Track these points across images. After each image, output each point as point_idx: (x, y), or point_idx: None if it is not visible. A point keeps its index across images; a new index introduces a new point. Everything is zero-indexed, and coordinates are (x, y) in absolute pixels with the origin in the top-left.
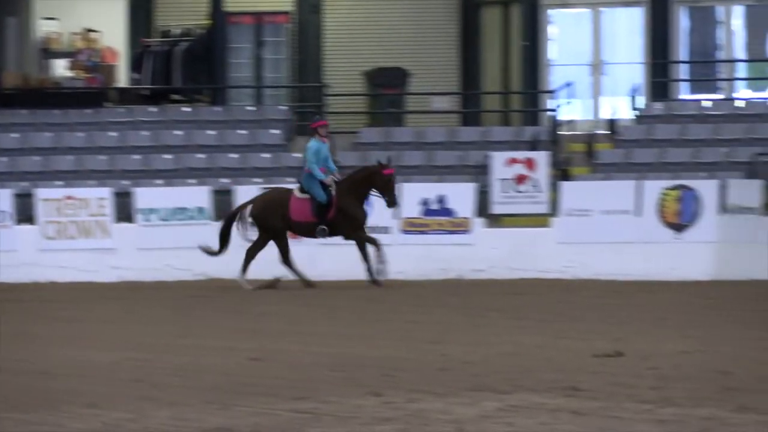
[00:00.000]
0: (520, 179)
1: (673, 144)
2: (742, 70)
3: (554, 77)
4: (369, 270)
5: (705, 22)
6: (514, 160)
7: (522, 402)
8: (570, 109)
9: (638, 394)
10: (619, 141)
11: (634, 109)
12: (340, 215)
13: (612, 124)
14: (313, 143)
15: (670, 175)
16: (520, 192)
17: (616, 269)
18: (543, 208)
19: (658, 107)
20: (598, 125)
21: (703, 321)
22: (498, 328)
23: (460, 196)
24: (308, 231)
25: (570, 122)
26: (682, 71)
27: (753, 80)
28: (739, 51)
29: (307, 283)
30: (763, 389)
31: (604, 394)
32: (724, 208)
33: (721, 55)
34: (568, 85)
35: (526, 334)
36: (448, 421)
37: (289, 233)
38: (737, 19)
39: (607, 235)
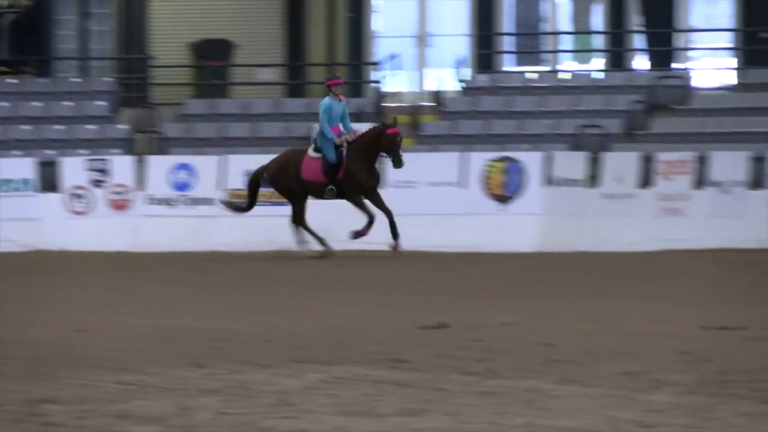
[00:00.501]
0: None
1: (498, 116)
2: (566, 42)
3: (379, 49)
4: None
5: None
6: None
7: (346, 374)
8: (395, 81)
9: (463, 365)
10: (444, 113)
11: (460, 81)
12: (347, 177)
13: (437, 95)
14: (325, 101)
15: (495, 147)
16: None
17: (441, 241)
18: None
19: (483, 79)
20: (423, 97)
21: (527, 293)
22: (323, 300)
23: None
24: (319, 191)
25: (395, 94)
26: (507, 43)
27: (578, 52)
28: (564, 23)
29: (324, 250)
30: (586, 361)
31: (429, 366)
32: (548, 180)
33: (546, 27)
34: (393, 57)
35: (351, 306)
36: (272, 392)
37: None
38: None
39: (433, 206)
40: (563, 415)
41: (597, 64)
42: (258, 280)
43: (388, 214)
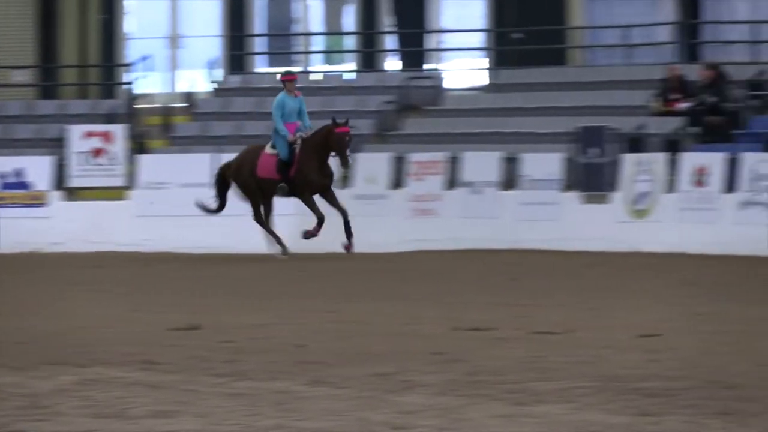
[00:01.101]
0: (97, 152)
1: (250, 117)
2: (318, 43)
3: (132, 51)
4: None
5: None
6: (90, 134)
7: (99, 376)
8: (147, 83)
9: (213, 367)
10: (197, 114)
11: (211, 82)
12: (298, 175)
13: (189, 97)
14: (279, 97)
15: None
16: (97, 165)
17: (193, 242)
18: (120, 181)
19: (235, 80)
20: (176, 98)
21: (279, 294)
22: (76, 302)
23: (38, 169)
24: (273, 189)
25: (147, 95)
26: (259, 44)
27: (329, 53)
28: (316, 24)
29: (283, 250)
30: (337, 362)
31: (180, 368)
32: None
33: (298, 28)
34: (145, 58)
35: (103, 308)
36: (24, 395)
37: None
38: None
39: (185, 208)
40: (314, 417)
41: (349, 65)
42: (9, 282)
43: (343, 213)
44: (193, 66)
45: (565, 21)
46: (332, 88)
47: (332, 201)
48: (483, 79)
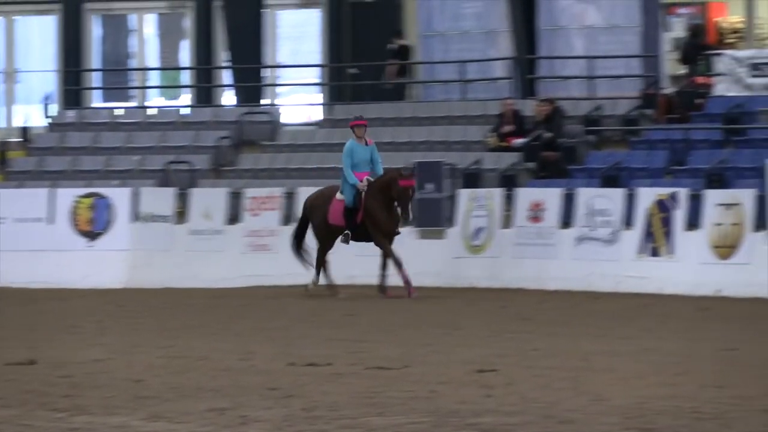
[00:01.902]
0: None
1: (86, 152)
2: (154, 78)
3: None
4: (381, 277)
5: (118, 30)
6: None
7: None
8: None
9: (51, 402)
10: (32, 149)
11: (47, 116)
12: (367, 219)
13: (25, 131)
14: (348, 143)
15: (83, 183)
16: None
17: (29, 277)
18: None
19: (71, 115)
20: (11, 133)
21: (116, 329)
22: None
23: None
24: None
25: None
26: (95, 79)
27: (165, 88)
28: (152, 59)
29: (331, 288)
30: (174, 397)
31: (17, 402)
32: (136, 216)
33: (134, 63)
34: None
35: None
36: None
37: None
38: (150, 27)
39: (21, 242)
40: None
41: (185, 100)
42: None
43: (387, 256)
44: (29, 101)
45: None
46: (168, 123)
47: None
48: (319, 114)
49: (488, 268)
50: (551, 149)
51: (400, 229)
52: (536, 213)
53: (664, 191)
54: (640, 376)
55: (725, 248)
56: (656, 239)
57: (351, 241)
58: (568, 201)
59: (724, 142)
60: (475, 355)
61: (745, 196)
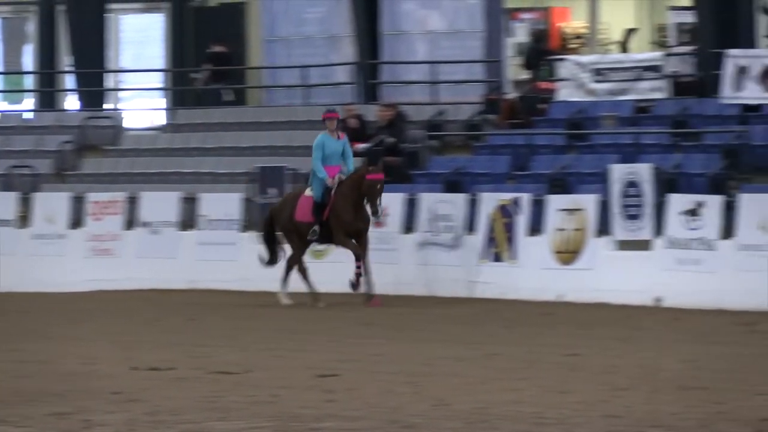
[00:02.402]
0: None
1: None
2: None
3: None
4: (354, 279)
5: None
6: None
7: None
8: None
9: None
10: None
11: None
12: (332, 216)
13: None
14: (319, 137)
15: None
16: None
17: None
18: None
19: None
20: None
21: None
22: None
23: None
24: (307, 232)
25: None
26: None
27: (8, 93)
28: None
29: (314, 297)
30: (17, 401)
31: None
32: None
33: None
34: None
35: None
36: None
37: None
38: None
39: None
40: None
41: (28, 104)
42: None
43: (357, 256)
44: None
45: (244, 61)
46: (11, 127)
47: (363, 249)
48: (162, 119)
49: (332, 273)
50: (394, 154)
51: (374, 228)
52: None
53: (506, 196)
54: (483, 381)
55: (568, 253)
56: (499, 244)
57: (317, 243)
58: (411, 206)
59: (566, 147)
60: (318, 360)
61: (588, 202)
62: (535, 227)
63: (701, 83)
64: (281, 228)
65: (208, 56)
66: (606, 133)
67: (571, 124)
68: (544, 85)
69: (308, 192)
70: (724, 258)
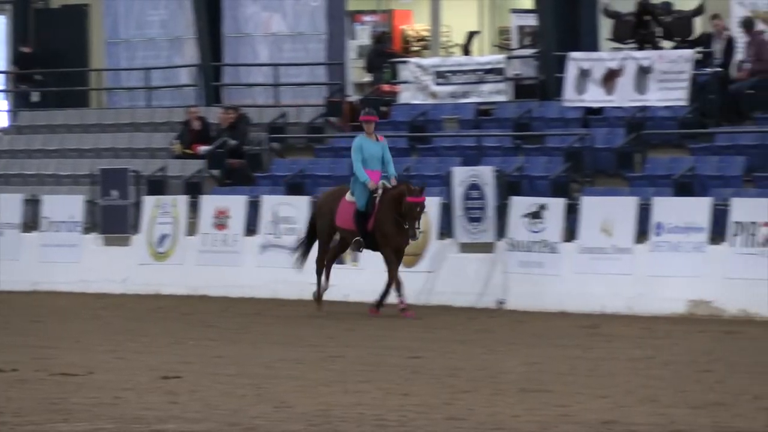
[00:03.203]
0: None
1: None
2: None
3: None
4: (383, 293)
5: None
6: None
7: None
8: None
9: None
10: None
11: None
12: (376, 228)
13: None
14: (356, 139)
15: None
16: None
17: None
18: None
19: None
20: None
21: None
22: None
23: None
24: (350, 240)
25: None
26: None
27: None
28: None
29: (319, 298)
30: None
31: None
32: None
33: None
34: None
35: None
36: None
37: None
38: None
39: None
40: None
41: None
42: None
43: (390, 278)
44: None
45: (87, 63)
46: None
47: (397, 263)
48: (3, 121)
49: (173, 275)
50: (236, 157)
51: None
52: (221, 220)
53: (348, 199)
54: (324, 383)
55: (411, 256)
56: None
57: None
58: (253, 208)
59: (409, 149)
60: (160, 362)
61: (430, 204)
62: None
63: (543, 86)
64: (319, 229)
65: (16, 57)
66: (448, 135)
67: (413, 126)
68: (386, 87)
69: (349, 197)
70: (566, 261)
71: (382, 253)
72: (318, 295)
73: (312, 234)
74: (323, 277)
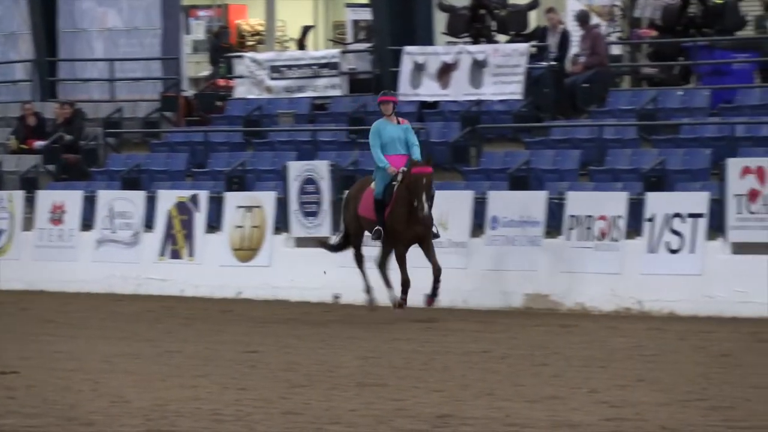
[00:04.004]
0: None
1: None
2: None
3: None
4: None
5: None
6: None
7: None
8: None
9: None
10: None
11: None
12: (388, 220)
13: None
14: (375, 124)
15: None
16: None
17: None
18: None
19: None
20: None
21: None
22: None
23: None
24: (369, 229)
25: None
26: None
27: None
28: None
29: (368, 299)
30: None
31: None
32: None
33: None
34: None
35: None
36: None
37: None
38: None
39: None
40: None
41: None
42: None
43: (435, 270)
44: None
45: None
46: None
47: (427, 252)
48: None
49: (10, 270)
50: (72, 152)
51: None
52: (57, 215)
53: (184, 193)
54: (161, 378)
55: (246, 250)
56: (177, 241)
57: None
58: (89, 203)
59: (244, 144)
60: None
61: (266, 199)
62: (214, 224)
63: (378, 80)
64: (345, 219)
65: None
66: (283, 130)
67: (248, 121)
68: (221, 82)
69: (373, 185)
70: None
71: (393, 249)
72: (368, 295)
73: (346, 229)
74: (384, 283)
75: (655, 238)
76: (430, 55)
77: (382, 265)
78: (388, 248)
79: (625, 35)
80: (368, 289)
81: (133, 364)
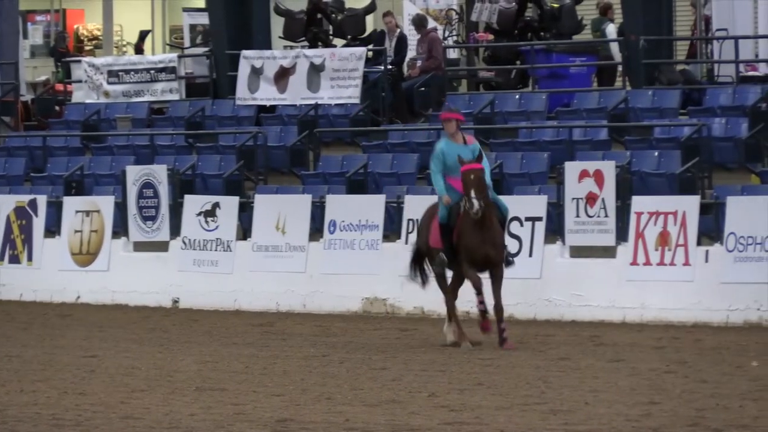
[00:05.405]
0: None
1: None
2: None
3: None
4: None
5: None
6: None
7: None
8: None
9: None
10: None
11: None
12: (458, 239)
13: None
14: (438, 144)
15: None
16: None
17: None
18: None
19: None
20: None
21: None
22: None
23: None
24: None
25: None
26: None
27: None
28: None
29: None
30: None
31: None
32: None
33: None
34: None
35: None
36: None
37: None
38: None
39: None
40: None
41: None
42: None
43: (497, 310)
44: None
45: None
46: None
47: (494, 283)
48: None
49: None
50: None
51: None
52: None
53: (23, 198)
54: (0, 383)
55: (85, 255)
56: (16, 246)
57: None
58: None
59: (82, 149)
60: None
61: (104, 203)
62: (52, 229)
63: (216, 84)
64: (418, 249)
65: None
66: (121, 134)
67: (86, 125)
68: (60, 87)
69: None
70: (240, 259)
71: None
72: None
73: (417, 255)
74: (449, 324)
75: None
76: (268, 59)
77: (450, 297)
78: (458, 277)
79: (462, 39)
80: (453, 321)
81: None
